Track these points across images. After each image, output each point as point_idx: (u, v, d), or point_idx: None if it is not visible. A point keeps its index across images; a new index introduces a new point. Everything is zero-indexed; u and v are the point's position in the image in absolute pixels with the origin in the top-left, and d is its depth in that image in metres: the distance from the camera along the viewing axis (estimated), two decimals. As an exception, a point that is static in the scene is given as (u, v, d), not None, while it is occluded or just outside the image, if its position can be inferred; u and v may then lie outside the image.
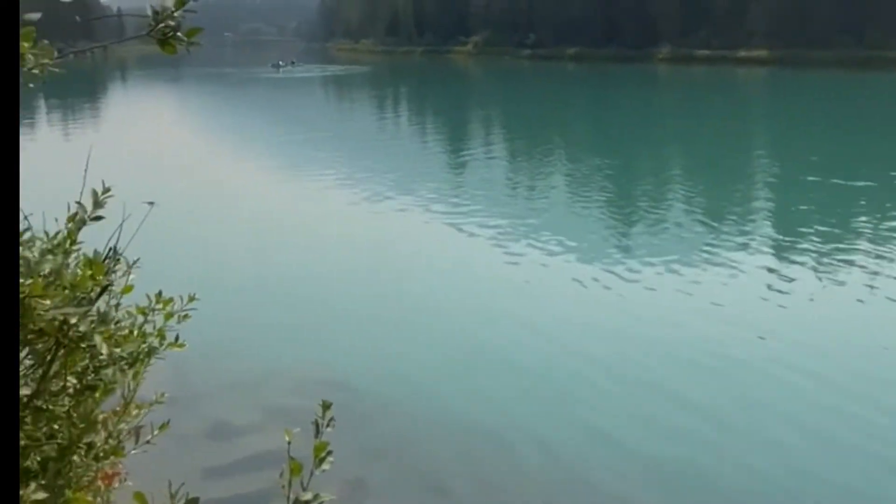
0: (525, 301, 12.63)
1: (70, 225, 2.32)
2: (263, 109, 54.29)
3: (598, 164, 27.05)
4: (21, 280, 1.47)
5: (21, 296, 1.45)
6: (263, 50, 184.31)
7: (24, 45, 1.49)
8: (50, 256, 1.56)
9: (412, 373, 9.83)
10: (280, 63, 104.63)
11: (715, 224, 17.67)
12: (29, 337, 1.53)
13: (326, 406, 1.57)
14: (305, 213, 19.88)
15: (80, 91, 56.86)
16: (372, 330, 11.39)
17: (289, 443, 1.49)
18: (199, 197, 20.98)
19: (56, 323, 1.49)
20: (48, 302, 1.49)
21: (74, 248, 2.13)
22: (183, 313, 2.62)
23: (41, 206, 2.58)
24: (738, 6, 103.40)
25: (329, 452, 1.50)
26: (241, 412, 8.54)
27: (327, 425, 1.55)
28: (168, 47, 1.86)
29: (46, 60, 1.53)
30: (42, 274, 1.49)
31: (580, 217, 19.00)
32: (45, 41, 1.53)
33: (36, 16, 1.51)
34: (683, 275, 13.85)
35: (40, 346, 1.69)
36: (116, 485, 2.71)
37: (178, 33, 1.87)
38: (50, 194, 2.94)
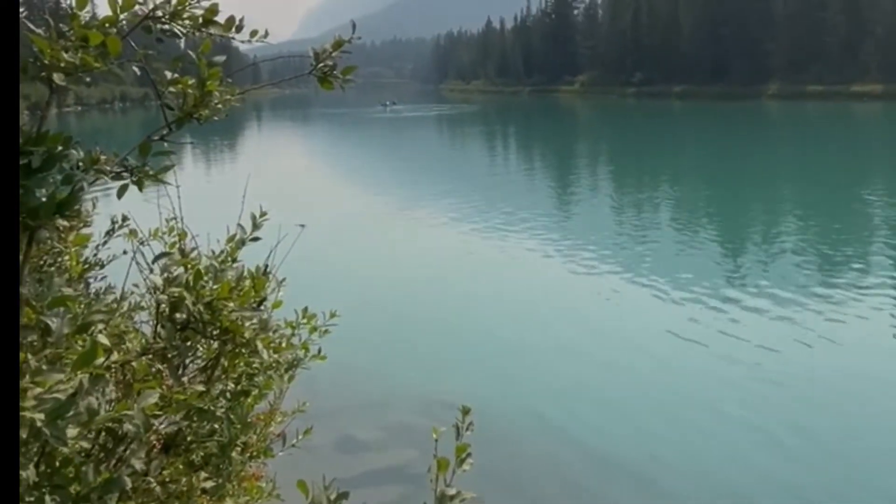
0: (634, 334, 12.39)
1: (231, 244, 2.50)
2: (378, 147, 55.77)
3: (707, 204, 26.27)
4: (210, 284, 1.62)
5: (210, 299, 1.60)
6: (382, 91, 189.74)
7: (212, 83, 1.64)
8: (226, 268, 1.70)
9: (531, 400, 9.82)
10: (388, 103, 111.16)
11: (833, 268, 16.73)
12: (214, 333, 1.67)
13: (466, 411, 1.64)
14: (428, 241, 20.29)
15: (227, 127, 60.13)
16: (493, 357, 11.46)
17: (436, 440, 1.56)
18: (329, 223, 21.74)
19: (238, 323, 1.63)
20: (232, 304, 1.63)
21: (235, 265, 2.30)
22: (324, 328, 2.76)
23: (203, 228, 2.79)
24: (852, 40, 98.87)
25: (469, 454, 1.56)
26: (366, 428, 8.78)
27: (467, 429, 1.61)
28: (326, 84, 2.01)
29: (230, 96, 1.68)
30: (227, 281, 1.63)
31: (691, 258, 18.41)
32: (230, 80, 1.68)
33: (221, 58, 1.67)
34: (793, 318, 13.22)
35: (214, 345, 1.84)
36: (262, 484, 2.86)
37: (336, 72, 2.02)
38: (203, 218, 3.15)
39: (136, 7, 1.44)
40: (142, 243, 2.70)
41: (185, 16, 1.51)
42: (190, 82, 1.61)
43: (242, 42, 1.66)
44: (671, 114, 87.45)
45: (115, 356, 1.61)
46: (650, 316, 13.34)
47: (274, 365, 2.28)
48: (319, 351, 2.71)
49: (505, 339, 12.24)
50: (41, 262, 2.38)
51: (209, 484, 1.96)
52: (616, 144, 53.84)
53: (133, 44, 1.49)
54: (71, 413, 1.19)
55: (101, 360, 1.30)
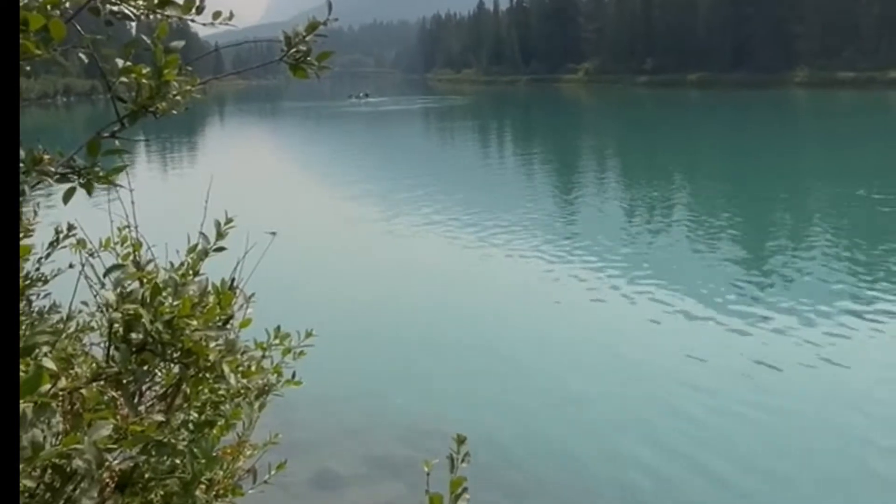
0: (640, 351, 12.40)
1: (192, 255, 2.49)
2: (357, 145, 55.82)
3: (727, 207, 26.31)
4: (170, 301, 1.62)
5: (170, 317, 1.59)
6: (361, 81, 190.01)
7: (170, 72, 1.64)
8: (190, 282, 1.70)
9: (530, 428, 9.84)
10: (361, 94, 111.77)
11: (864, 282, 16.70)
12: (175, 356, 1.66)
13: (461, 440, 1.64)
14: (414, 252, 20.25)
15: (187, 123, 60.06)
16: (482, 380, 11.46)
17: (428, 474, 1.56)
18: (303, 230, 21.76)
19: (202, 344, 1.62)
20: (195, 323, 1.63)
21: (197, 279, 2.29)
22: (299, 350, 2.75)
23: (160, 237, 2.78)
24: (890, 22, 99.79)
25: (465, 489, 1.56)
26: (346, 460, 8.78)
27: (462, 461, 1.61)
28: (299, 72, 2.01)
29: (190, 87, 1.68)
30: (188, 296, 1.63)
31: (708, 270, 18.40)
32: (189, 68, 1.68)
33: (180, 44, 1.67)
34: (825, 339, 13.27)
35: (175, 370, 1.83)
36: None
37: (310, 58, 2.03)
38: (160, 225, 3.15)
39: (83, -14, 1.44)
40: (91, 255, 2.70)
41: (138, -4, 1.51)
42: (144, 71, 1.61)
43: (203, 25, 1.66)
44: (687, 104, 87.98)
45: (62, 383, 1.61)
46: (661, 335, 13.33)
47: (243, 391, 2.28)
48: (294, 375, 2.70)
49: (502, 359, 12.24)
50: (-24, 278, 2.36)
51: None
52: (625, 140, 54.10)
53: (79, 28, 1.49)
54: (12, 447, 1.19)
55: (46, 387, 1.29)
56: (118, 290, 1.63)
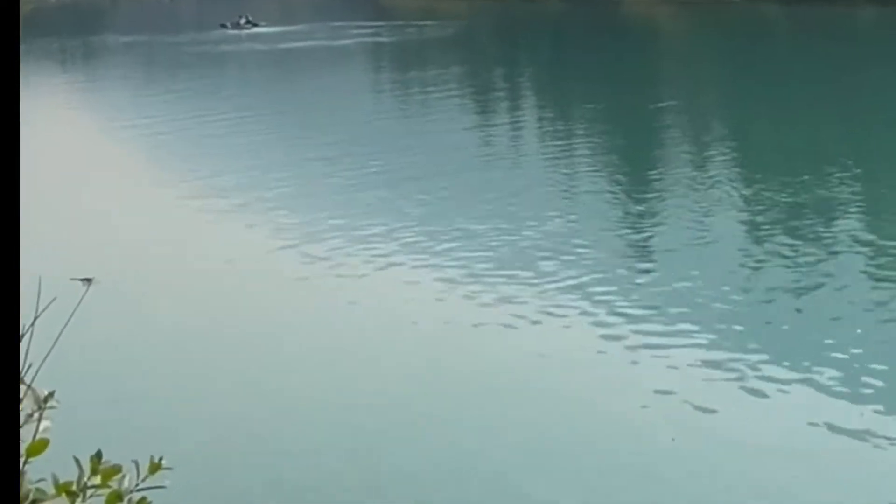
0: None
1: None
2: (235, 112, 55.48)
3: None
4: None
5: None
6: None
7: None
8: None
9: None
10: (241, 19, 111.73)
11: None
12: None
13: None
14: (350, 308, 20.19)
15: None
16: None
17: None
18: (143, 276, 21.78)
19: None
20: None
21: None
22: (139, 495, 2.74)
23: None
24: None
25: None
26: None
27: None
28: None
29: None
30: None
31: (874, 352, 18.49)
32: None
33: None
34: None
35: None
36: None
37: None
38: None
39: None
40: None
41: None
42: None
43: None
44: (852, 36, 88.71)
45: None
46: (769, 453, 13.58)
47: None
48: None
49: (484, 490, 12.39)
50: None
51: None
52: (738, 100, 54.16)
53: None
54: None
55: None
56: None
